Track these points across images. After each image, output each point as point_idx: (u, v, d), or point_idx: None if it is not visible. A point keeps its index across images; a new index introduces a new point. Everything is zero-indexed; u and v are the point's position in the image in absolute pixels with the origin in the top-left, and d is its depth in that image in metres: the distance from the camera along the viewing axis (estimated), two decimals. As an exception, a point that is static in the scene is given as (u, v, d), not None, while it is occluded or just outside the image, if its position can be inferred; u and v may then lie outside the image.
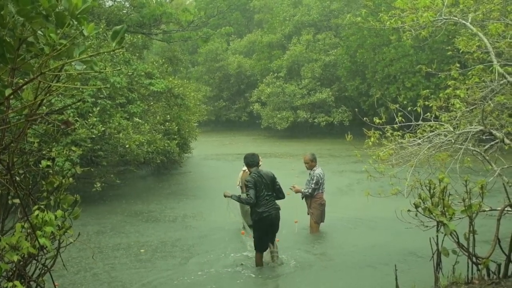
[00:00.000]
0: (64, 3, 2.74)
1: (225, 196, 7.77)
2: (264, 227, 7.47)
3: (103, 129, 11.71)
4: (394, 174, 6.68)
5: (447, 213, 4.71)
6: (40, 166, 3.64)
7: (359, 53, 26.59)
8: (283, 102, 31.41)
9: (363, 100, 27.51)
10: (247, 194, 7.46)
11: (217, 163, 21.24)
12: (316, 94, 30.40)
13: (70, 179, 3.79)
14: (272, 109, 31.95)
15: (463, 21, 6.86)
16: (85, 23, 2.85)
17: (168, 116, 16.01)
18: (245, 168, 9.32)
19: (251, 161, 7.83)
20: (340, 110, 29.96)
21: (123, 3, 18.00)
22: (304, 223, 9.61)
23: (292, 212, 9.24)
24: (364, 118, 7.37)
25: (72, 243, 3.75)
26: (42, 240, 3.30)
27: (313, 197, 9.37)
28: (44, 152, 4.02)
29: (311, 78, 30.91)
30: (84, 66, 3.01)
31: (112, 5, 17.80)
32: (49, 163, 3.75)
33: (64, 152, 4.26)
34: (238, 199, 7.62)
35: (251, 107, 34.62)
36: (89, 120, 11.54)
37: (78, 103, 11.21)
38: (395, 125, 7.00)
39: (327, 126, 30.28)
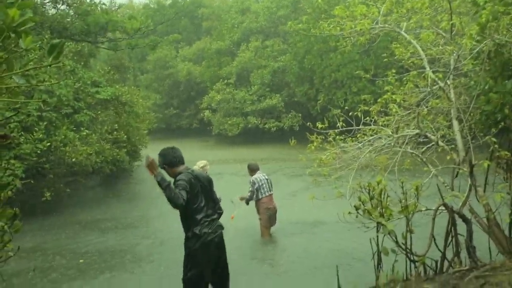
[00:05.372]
0: (0, 15, 2.73)
1: (147, 165, 4.86)
2: (206, 259, 4.93)
3: (48, 144, 11.51)
4: (337, 177, 6.87)
5: (385, 214, 4.92)
6: (-22, 180, 3.59)
7: (307, 59, 27.04)
8: (234, 108, 31.51)
9: (312, 105, 27.95)
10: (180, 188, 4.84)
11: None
12: (266, 100, 30.67)
13: (9, 192, 3.74)
14: (222, 116, 32.01)
15: (397, 29, 7.18)
16: (23, 35, 2.85)
17: (117, 125, 15.84)
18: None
19: (174, 157, 5.18)
20: (290, 115, 30.31)
21: (67, 11, 17.66)
22: (253, 229, 9.73)
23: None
24: (308, 123, 7.56)
25: (13, 257, 3.71)
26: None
27: (258, 202, 9.52)
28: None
29: (261, 84, 31.18)
30: (25, 82, 3.00)
31: (56, 13, 17.44)
32: (-13, 177, 3.71)
33: (3, 166, 4.18)
34: (166, 187, 4.68)
35: (201, 114, 34.52)
36: (34, 134, 11.32)
37: (22, 117, 11.00)
38: (336, 130, 7.22)
39: (277, 131, 30.56)
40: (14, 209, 3.62)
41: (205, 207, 5.01)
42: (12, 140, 10.12)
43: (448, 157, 6.46)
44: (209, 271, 4.99)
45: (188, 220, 4.97)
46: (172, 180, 4.96)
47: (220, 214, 5.33)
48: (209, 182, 5.28)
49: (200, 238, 4.87)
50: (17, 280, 7.71)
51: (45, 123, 11.65)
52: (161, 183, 4.71)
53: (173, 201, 4.67)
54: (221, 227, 5.16)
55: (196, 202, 4.94)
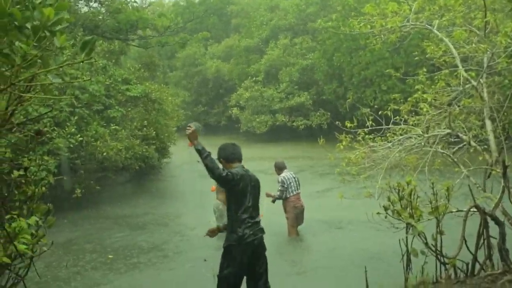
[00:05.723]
0: (37, 15, 2.79)
1: (188, 134, 4.97)
2: (243, 259, 4.90)
3: (80, 139, 11.72)
4: (366, 177, 6.82)
5: (415, 215, 4.86)
6: (13, 175, 3.67)
7: (336, 56, 26.85)
8: (262, 106, 31.52)
9: (341, 103, 27.74)
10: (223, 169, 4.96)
11: (197, 167, 21.20)
12: (294, 98, 30.56)
13: (43, 188, 3.83)
14: (251, 113, 32.05)
15: (429, 27, 7.07)
16: (57, 34, 2.90)
17: (146, 121, 16.02)
18: None
19: (232, 153, 5.26)
20: (318, 113, 30.13)
21: (99, 9, 17.92)
22: (280, 227, 9.71)
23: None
24: (336, 122, 7.52)
25: (46, 251, 3.79)
26: (21, 247, 3.33)
27: (286, 201, 9.50)
28: (16, 162, 4.06)
29: (289, 82, 31.10)
30: (59, 80, 3.06)
31: (88, 11, 17.72)
32: (21, 172, 3.79)
33: (37, 161, 4.28)
34: (206, 156, 4.79)
35: (230, 111, 34.64)
36: (66, 129, 11.54)
37: (55, 112, 11.22)
38: (365, 129, 7.16)
39: (305, 129, 30.42)
40: (48, 204, 3.71)
41: (251, 208, 5.00)
42: (45, 135, 10.33)
43: (480, 158, 6.35)
44: (244, 272, 4.97)
45: (233, 218, 4.97)
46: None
47: None
48: (259, 185, 5.26)
49: (241, 238, 4.86)
50: (48, 273, 7.88)
51: (75, 117, 11.86)
52: (202, 152, 4.80)
53: (212, 171, 4.76)
54: (262, 231, 5.13)
55: (244, 200, 4.95)
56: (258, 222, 5.10)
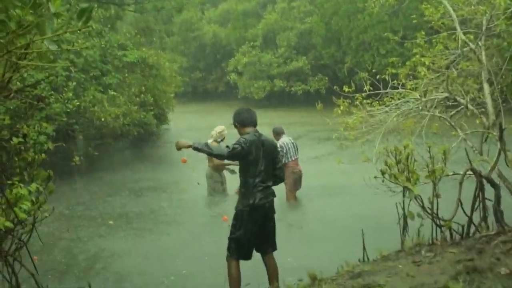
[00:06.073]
0: (30, -21, 2.75)
1: (179, 147, 5.25)
2: (254, 221, 5.08)
3: (77, 103, 11.69)
4: (363, 141, 6.85)
5: (411, 179, 4.90)
6: (12, 142, 3.69)
7: (334, 20, 26.60)
8: (260, 71, 31.34)
9: (339, 67, 27.63)
10: (226, 146, 5.14)
11: (196, 133, 21.20)
12: (292, 63, 30.40)
13: (43, 154, 3.85)
14: (248, 79, 31.90)
15: (428, -12, 7.00)
16: None
17: (144, 87, 15.95)
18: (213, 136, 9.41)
19: (246, 117, 5.33)
20: (316, 78, 30.02)
21: (94, -27, 17.57)
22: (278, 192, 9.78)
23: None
24: (335, 87, 7.51)
25: (47, 218, 3.84)
26: (21, 215, 3.37)
27: (284, 166, 9.55)
28: (16, 128, 4.07)
29: (287, 47, 30.86)
30: (56, 46, 3.04)
31: (82, -25, 17.39)
32: (21, 139, 3.80)
33: (35, 128, 4.30)
34: (205, 147, 5.10)
35: (227, 77, 34.46)
36: (64, 94, 11.50)
37: (52, 78, 11.15)
38: (363, 94, 7.15)
39: (303, 94, 30.36)
40: (48, 171, 3.74)
41: (263, 172, 5.10)
42: (44, 102, 10.29)
43: (477, 121, 6.36)
44: (254, 233, 5.09)
45: (245, 183, 5.12)
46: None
47: (279, 181, 5.45)
48: (274, 148, 5.40)
49: (253, 203, 5.00)
50: (50, 238, 7.96)
51: (73, 83, 11.79)
52: (199, 147, 5.04)
53: (219, 154, 5.11)
54: (273, 194, 5.26)
55: (256, 165, 5.06)
56: (270, 186, 5.22)
